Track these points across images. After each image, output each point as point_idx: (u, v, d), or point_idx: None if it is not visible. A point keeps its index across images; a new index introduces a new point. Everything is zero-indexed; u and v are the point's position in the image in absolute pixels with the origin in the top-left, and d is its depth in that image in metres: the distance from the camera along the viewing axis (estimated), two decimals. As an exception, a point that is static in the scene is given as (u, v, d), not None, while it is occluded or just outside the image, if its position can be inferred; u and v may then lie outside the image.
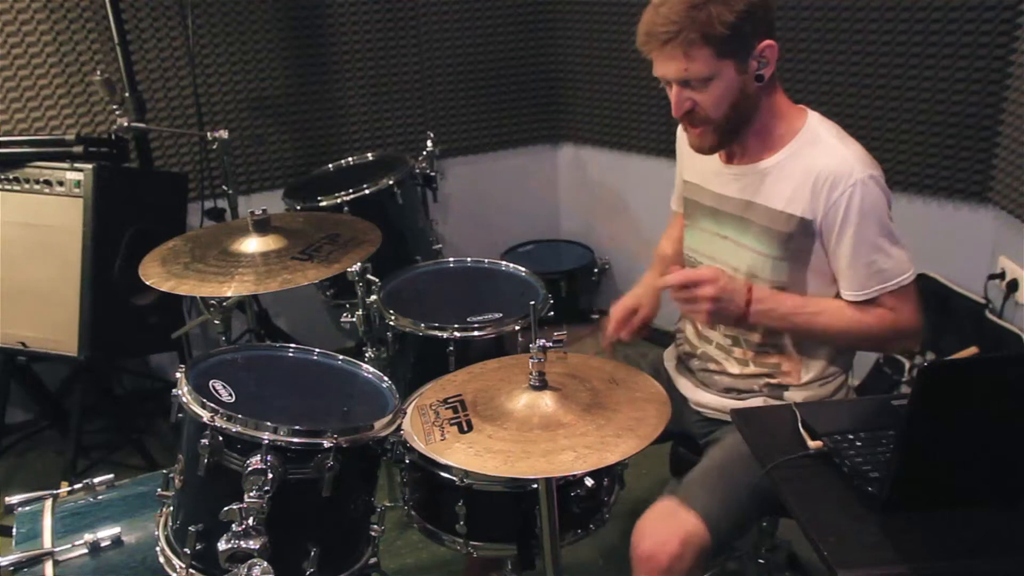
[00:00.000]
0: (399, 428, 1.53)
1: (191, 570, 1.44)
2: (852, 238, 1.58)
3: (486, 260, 2.24)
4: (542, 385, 1.45)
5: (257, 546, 1.29)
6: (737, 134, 1.65)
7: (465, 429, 1.40)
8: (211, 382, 1.52)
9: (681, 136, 1.88)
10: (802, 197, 1.60)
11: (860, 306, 1.63)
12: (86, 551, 1.56)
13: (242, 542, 1.29)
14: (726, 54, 1.54)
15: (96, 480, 1.74)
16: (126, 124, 2.60)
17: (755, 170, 1.66)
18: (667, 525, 1.54)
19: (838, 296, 1.66)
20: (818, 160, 1.60)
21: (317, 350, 1.73)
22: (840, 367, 1.75)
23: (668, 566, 1.51)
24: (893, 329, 1.63)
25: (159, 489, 1.54)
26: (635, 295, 1.92)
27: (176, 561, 1.46)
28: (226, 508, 1.32)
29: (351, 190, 2.64)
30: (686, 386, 1.85)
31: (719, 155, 1.73)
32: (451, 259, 2.27)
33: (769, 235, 1.65)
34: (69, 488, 1.73)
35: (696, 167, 1.80)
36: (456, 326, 1.88)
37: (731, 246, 1.72)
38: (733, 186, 1.70)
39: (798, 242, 1.62)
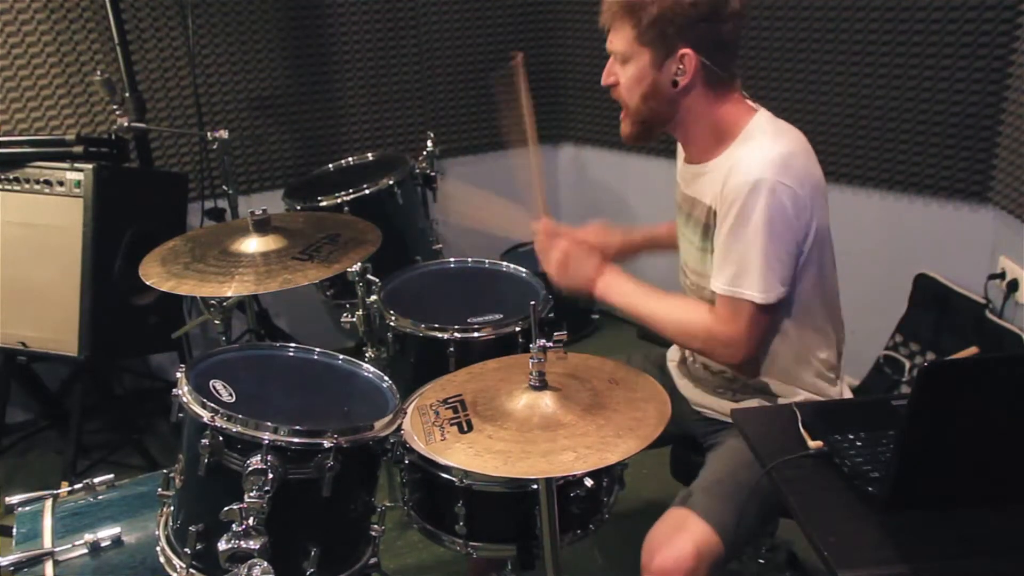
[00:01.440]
0: (399, 428, 1.53)
1: (191, 570, 1.44)
2: (730, 231, 1.54)
3: (486, 260, 2.24)
4: (542, 385, 1.45)
5: (257, 546, 1.30)
6: (650, 131, 1.68)
7: (465, 429, 1.40)
8: (211, 382, 1.52)
9: None
10: (717, 188, 1.59)
11: (695, 304, 1.67)
12: (86, 551, 1.56)
13: (242, 542, 1.30)
14: (644, 42, 1.58)
15: (96, 480, 1.74)
16: (126, 124, 2.61)
17: (702, 170, 1.67)
18: (680, 537, 1.52)
19: None
20: (737, 153, 1.59)
21: (317, 350, 1.73)
22: (826, 383, 1.74)
23: None
24: (708, 332, 1.61)
25: (159, 489, 1.54)
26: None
27: (176, 561, 1.46)
28: (226, 508, 1.32)
29: (351, 190, 2.64)
30: (687, 386, 1.85)
31: (683, 155, 1.75)
32: (451, 259, 2.27)
33: (698, 226, 1.67)
34: (69, 488, 1.73)
35: (677, 169, 1.81)
36: (456, 326, 1.88)
37: (685, 244, 1.76)
38: (686, 184, 1.73)
39: (711, 231, 1.63)
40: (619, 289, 1.72)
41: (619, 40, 1.61)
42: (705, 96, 1.62)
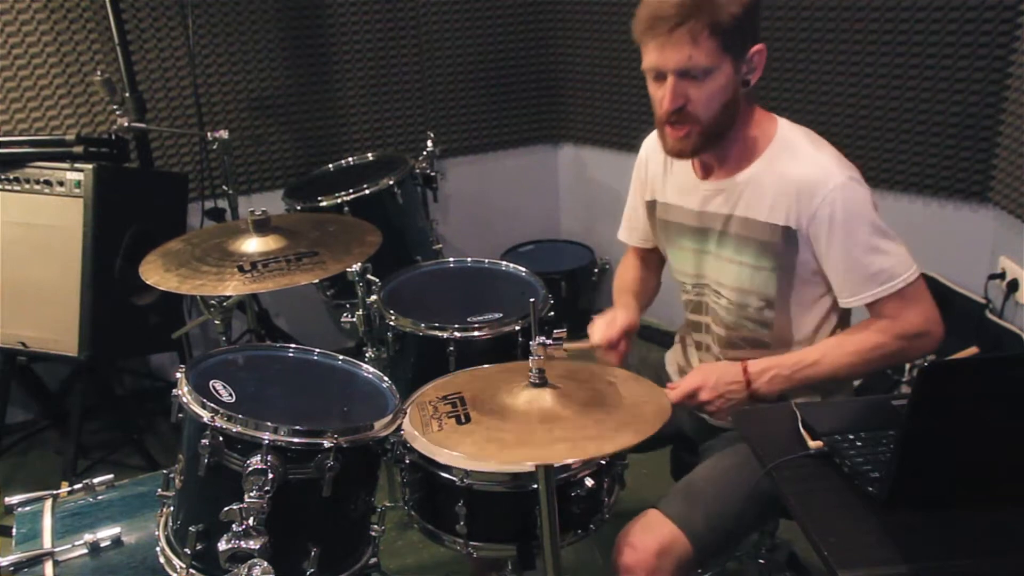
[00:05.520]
0: (399, 428, 1.53)
1: (191, 570, 1.44)
2: (843, 243, 1.55)
3: (486, 260, 2.24)
4: (542, 382, 1.45)
5: (257, 546, 1.30)
6: (719, 140, 1.61)
7: (463, 421, 1.40)
8: (211, 382, 1.52)
9: (645, 158, 1.86)
10: (783, 206, 1.58)
11: (855, 330, 1.61)
12: (86, 551, 1.56)
13: (242, 542, 1.30)
14: (728, 48, 1.51)
15: (96, 480, 1.74)
16: (126, 124, 2.61)
17: (733, 183, 1.64)
18: (644, 536, 1.54)
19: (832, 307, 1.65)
20: (794, 168, 1.58)
21: (317, 350, 1.73)
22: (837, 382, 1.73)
23: None
24: (901, 337, 1.58)
25: (159, 489, 1.54)
26: (609, 316, 1.83)
27: (176, 561, 1.46)
28: (226, 508, 1.32)
29: (351, 190, 2.65)
30: None
31: (694, 171, 1.71)
32: (451, 259, 2.26)
33: (753, 246, 1.63)
34: (69, 488, 1.73)
35: (669, 187, 1.77)
36: (456, 326, 1.88)
37: (714, 261, 1.71)
38: (712, 201, 1.68)
39: (783, 252, 1.61)
40: (776, 374, 1.61)
41: (700, 55, 1.49)
42: (746, 97, 1.60)
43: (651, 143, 1.85)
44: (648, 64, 1.58)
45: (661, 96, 1.58)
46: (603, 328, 1.79)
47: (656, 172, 1.81)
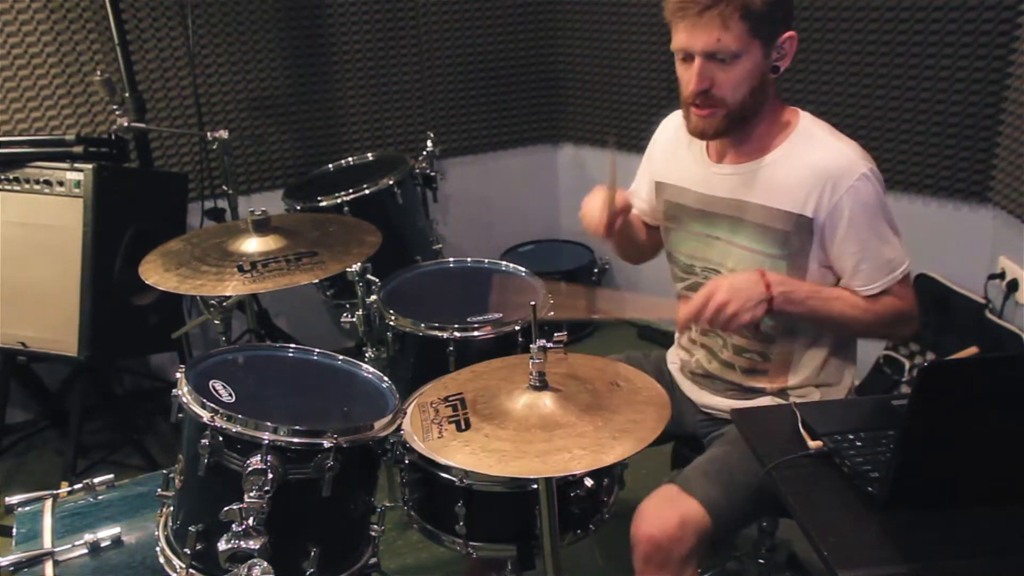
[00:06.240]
0: (399, 428, 1.53)
1: (191, 570, 1.44)
2: (862, 233, 1.57)
3: (486, 260, 2.24)
4: (542, 386, 1.45)
5: (257, 546, 1.29)
6: (743, 124, 1.61)
7: (463, 427, 1.40)
8: (211, 382, 1.52)
9: (659, 138, 1.87)
10: (801, 194, 1.58)
11: (869, 296, 1.63)
12: (86, 551, 1.56)
13: (242, 542, 1.30)
14: (758, 33, 1.52)
15: (96, 480, 1.74)
16: (126, 124, 2.61)
17: (748, 168, 1.65)
18: (667, 508, 1.56)
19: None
20: (816, 157, 1.59)
21: (317, 350, 1.73)
22: (837, 372, 1.74)
23: (668, 548, 1.53)
24: (899, 315, 1.64)
25: (159, 489, 1.54)
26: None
27: (176, 561, 1.46)
28: (226, 508, 1.32)
29: (351, 190, 2.65)
30: (691, 388, 1.85)
31: (708, 154, 1.71)
32: (451, 259, 2.26)
33: (765, 233, 1.63)
34: (69, 488, 1.73)
35: (679, 169, 1.77)
36: (456, 326, 1.88)
37: (724, 246, 1.70)
38: (724, 185, 1.68)
39: (796, 240, 1.61)
40: (797, 294, 1.58)
41: (729, 38, 1.50)
42: (774, 83, 1.61)
43: (664, 124, 1.86)
44: (676, 45, 1.57)
45: (688, 77, 1.58)
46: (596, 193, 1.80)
47: (664, 154, 1.82)
